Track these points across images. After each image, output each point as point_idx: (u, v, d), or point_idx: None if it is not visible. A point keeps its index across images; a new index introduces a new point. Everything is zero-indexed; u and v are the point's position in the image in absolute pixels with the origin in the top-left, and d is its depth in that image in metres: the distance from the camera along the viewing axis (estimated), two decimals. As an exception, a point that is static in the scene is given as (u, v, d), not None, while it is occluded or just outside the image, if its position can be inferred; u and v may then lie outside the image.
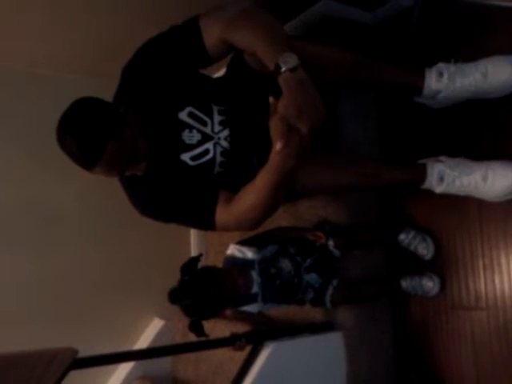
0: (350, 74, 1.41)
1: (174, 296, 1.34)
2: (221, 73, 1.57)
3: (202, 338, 1.31)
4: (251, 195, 1.26)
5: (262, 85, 1.29)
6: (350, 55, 1.40)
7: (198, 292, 1.31)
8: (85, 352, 1.15)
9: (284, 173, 1.16)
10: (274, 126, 1.10)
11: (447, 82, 1.37)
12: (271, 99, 1.10)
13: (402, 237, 1.54)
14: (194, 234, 2.20)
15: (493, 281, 1.43)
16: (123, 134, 1.22)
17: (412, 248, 1.54)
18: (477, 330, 1.46)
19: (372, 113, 1.71)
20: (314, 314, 1.59)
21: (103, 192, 1.82)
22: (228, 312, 1.45)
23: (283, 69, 1.09)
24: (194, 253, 2.17)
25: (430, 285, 1.50)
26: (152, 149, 1.30)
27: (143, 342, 2.04)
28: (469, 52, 1.43)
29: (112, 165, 1.23)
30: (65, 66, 1.87)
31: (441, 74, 1.38)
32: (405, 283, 1.53)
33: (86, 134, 1.19)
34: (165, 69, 1.34)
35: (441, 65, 1.39)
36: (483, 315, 1.45)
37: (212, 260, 1.95)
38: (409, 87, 1.45)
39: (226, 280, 1.34)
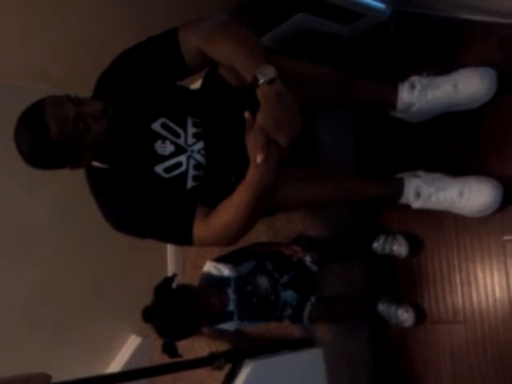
0: (326, 89, 1.41)
1: (148, 315, 1.31)
2: (198, 84, 1.55)
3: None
4: (229, 210, 1.23)
5: (236, 99, 1.28)
6: (326, 70, 1.39)
7: (171, 314, 1.28)
8: (59, 371, 1.11)
9: (263, 187, 1.14)
10: (252, 140, 1.08)
11: (419, 94, 1.38)
12: (247, 114, 1.08)
13: (374, 245, 1.53)
14: (170, 247, 2.16)
15: (470, 295, 1.44)
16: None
17: (387, 251, 1.51)
18: (455, 344, 1.46)
19: (349, 127, 1.71)
20: (293, 330, 1.58)
21: (75, 205, 1.77)
22: (205, 330, 1.43)
23: (261, 81, 1.08)
24: (170, 266, 2.13)
25: (404, 316, 1.49)
26: (125, 157, 1.28)
27: (120, 360, 1.99)
28: (442, 65, 1.44)
29: (61, 128, 1.19)
30: (33, 76, 1.82)
31: (413, 87, 1.39)
32: (381, 307, 1.53)
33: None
34: (141, 79, 1.32)
35: (413, 78, 1.40)
36: (461, 329, 1.45)
37: (189, 274, 1.92)
38: (383, 101, 1.46)
39: (199, 299, 1.32)
